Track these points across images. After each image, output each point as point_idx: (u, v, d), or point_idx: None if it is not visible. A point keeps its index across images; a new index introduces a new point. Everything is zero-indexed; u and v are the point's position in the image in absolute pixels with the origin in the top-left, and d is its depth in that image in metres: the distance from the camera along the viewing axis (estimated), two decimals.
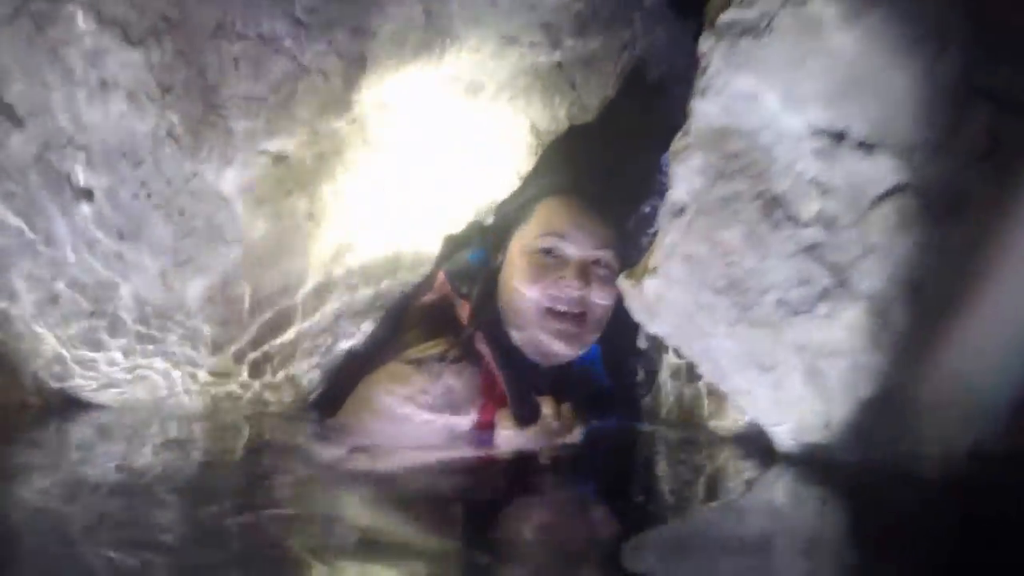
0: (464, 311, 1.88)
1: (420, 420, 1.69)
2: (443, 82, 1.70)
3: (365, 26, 1.61)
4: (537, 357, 1.85)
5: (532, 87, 1.79)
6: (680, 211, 1.39)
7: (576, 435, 1.72)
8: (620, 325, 1.82)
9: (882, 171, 1.21)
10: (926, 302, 1.27)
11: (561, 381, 1.85)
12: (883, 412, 1.32)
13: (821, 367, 1.31)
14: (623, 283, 1.52)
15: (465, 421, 1.71)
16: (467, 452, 1.66)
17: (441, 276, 1.94)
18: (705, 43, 1.31)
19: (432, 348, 1.76)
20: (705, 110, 1.32)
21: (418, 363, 1.72)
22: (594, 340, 1.89)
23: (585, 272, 1.81)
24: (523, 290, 1.82)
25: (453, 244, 1.98)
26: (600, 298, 1.83)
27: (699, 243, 1.37)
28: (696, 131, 1.34)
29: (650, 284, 1.44)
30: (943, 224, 1.20)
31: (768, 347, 1.34)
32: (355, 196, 1.72)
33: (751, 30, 1.23)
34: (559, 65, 1.80)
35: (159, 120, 1.56)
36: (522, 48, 1.73)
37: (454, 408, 1.71)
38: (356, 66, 1.62)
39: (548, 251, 1.83)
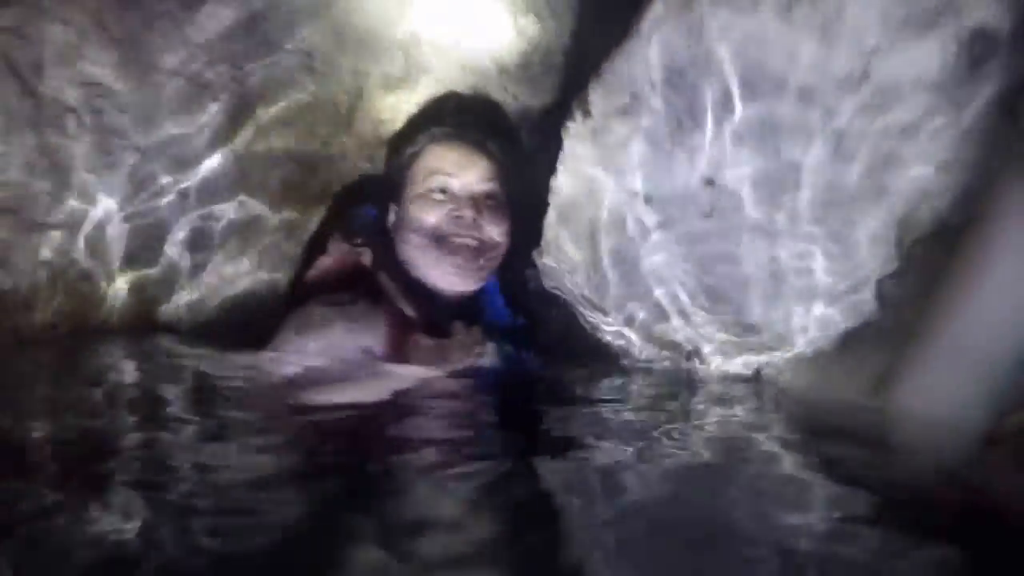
0: (366, 259, 1.90)
1: (333, 356, 1.70)
2: None
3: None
4: (438, 290, 1.89)
5: None
6: None
7: (490, 353, 1.75)
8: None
9: None
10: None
11: (464, 313, 1.87)
12: None
13: None
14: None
15: (377, 349, 1.71)
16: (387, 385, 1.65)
17: (337, 238, 1.97)
18: None
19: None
20: None
21: (329, 303, 1.75)
22: (490, 272, 1.95)
23: (476, 203, 1.87)
24: (420, 226, 1.88)
25: (344, 205, 2.01)
26: (492, 227, 1.90)
27: None
28: None
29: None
30: None
31: None
32: None
33: None
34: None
35: None
36: None
37: (366, 338, 1.71)
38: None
39: (438, 189, 1.89)
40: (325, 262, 1.96)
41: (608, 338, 1.55)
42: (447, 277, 1.88)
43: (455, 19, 1.84)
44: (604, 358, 1.70)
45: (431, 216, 1.89)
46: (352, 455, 1.21)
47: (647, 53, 1.18)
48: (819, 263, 1.19)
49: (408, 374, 1.70)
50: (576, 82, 1.46)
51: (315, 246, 2.01)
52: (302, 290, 1.91)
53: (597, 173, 1.32)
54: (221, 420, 1.30)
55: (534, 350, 1.90)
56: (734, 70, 1.12)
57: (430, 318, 1.82)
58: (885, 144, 1.10)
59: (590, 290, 1.47)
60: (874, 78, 1.05)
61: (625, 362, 1.58)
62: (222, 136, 1.65)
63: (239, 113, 1.65)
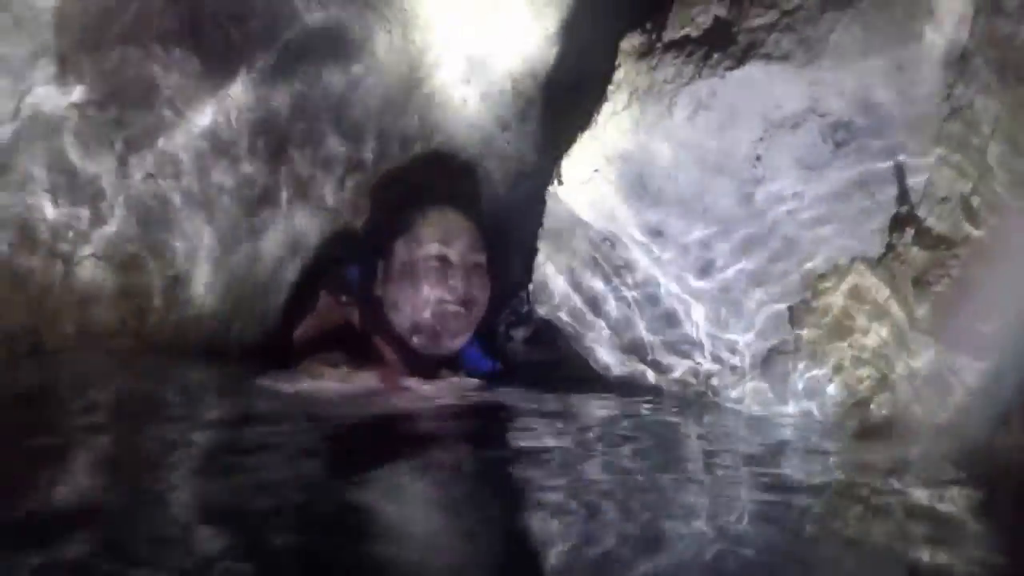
0: (355, 317, 2.03)
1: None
2: None
3: None
4: (427, 350, 1.99)
5: None
6: None
7: (479, 388, 1.88)
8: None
9: None
10: None
11: (444, 364, 2.00)
12: None
13: None
14: None
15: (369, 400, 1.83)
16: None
17: (323, 296, 2.08)
18: None
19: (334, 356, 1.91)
20: None
21: (322, 362, 1.85)
22: (471, 333, 2.06)
23: (468, 273, 2.00)
24: (413, 293, 1.97)
25: (330, 263, 2.10)
26: (479, 293, 2.02)
27: None
28: None
29: None
30: None
31: None
32: None
33: None
34: None
35: None
36: None
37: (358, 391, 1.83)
38: None
39: (432, 258, 2.00)
40: (314, 321, 2.05)
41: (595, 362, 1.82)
42: (434, 342, 1.99)
43: (466, 84, 2.12)
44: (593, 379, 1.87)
45: (424, 284, 2.00)
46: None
47: (604, 138, 1.55)
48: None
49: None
50: (567, 133, 1.74)
51: (304, 301, 2.07)
52: (294, 347, 1.99)
53: (567, 226, 1.69)
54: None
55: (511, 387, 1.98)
56: (660, 152, 1.49)
57: (417, 370, 1.94)
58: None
59: (576, 321, 1.81)
60: (764, 159, 1.42)
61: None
62: None
63: None
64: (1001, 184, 1.17)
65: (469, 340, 2.09)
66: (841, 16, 1.25)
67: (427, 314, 1.99)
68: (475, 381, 1.94)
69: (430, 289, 1.98)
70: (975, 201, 1.22)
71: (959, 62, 1.23)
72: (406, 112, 2.10)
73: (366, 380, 1.86)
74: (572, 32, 2.10)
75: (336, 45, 1.95)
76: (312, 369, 1.84)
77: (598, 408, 1.68)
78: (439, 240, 2.01)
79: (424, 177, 2.23)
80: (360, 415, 1.69)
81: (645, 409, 1.62)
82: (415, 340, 2.01)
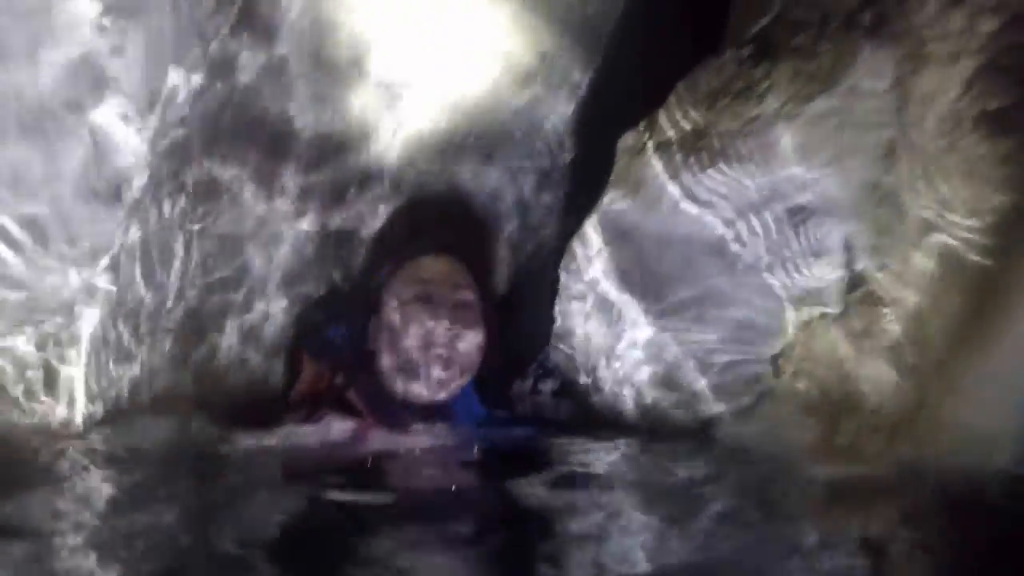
0: (339, 379, 2.08)
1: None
2: None
3: None
4: (417, 398, 2.03)
5: None
6: None
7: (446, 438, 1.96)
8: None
9: None
10: None
11: (433, 415, 2.04)
12: None
13: None
14: None
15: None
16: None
17: (306, 360, 2.13)
18: None
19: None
20: None
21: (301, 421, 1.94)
22: (461, 385, 2.09)
23: (454, 311, 2.06)
24: (404, 332, 2.02)
25: (311, 325, 2.18)
26: (469, 334, 2.06)
27: None
28: None
29: None
30: None
31: None
32: None
33: None
34: None
35: None
36: None
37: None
38: None
39: (417, 297, 2.05)
40: (302, 387, 2.10)
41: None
42: (420, 391, 2.02)
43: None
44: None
45: (410, 324, 2.03)
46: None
47: (606, 222, 1.87)
48: None
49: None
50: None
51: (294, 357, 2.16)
52: (283, 410, 2.02)
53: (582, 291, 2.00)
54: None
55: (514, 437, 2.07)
56: (652, 234, 1.81)
57: (400, 427, 1.98)
58: None
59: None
60: (738, 237, 1.73)
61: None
62: None
63: None
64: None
65: (462, 390, 2.11)
66: (789, 125, 1.57)
67: (413, 354, 2.02)
68: (451, 437, 1.97)
69: (415, 326, 2.03)
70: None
71: (885, 158, 1.53)
72: None
73: (342, 431, 1.92)
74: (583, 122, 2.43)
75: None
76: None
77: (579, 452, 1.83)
78: (422, 281, 2.07)
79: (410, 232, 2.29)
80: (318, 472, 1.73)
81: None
82: (402, 386, 2.03)
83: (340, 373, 2.09)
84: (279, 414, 1.97)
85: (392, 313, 2.06)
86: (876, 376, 1.61)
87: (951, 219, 1.45)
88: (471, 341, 2.07)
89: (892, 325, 1.55)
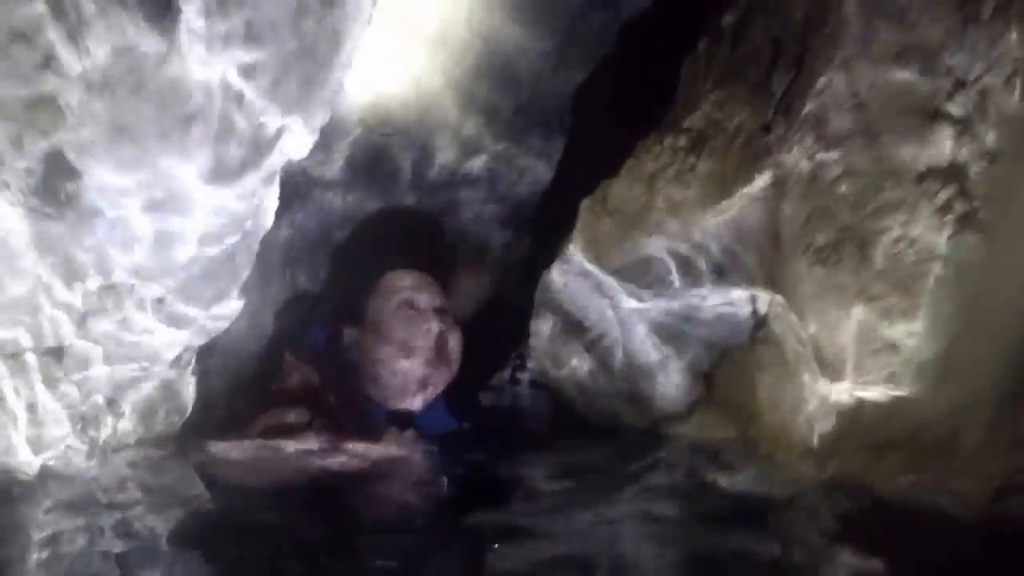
0: (315, 379, 2.15)
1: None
2: None
3: None
4: (394, 404, 2.12)
5: None
6: None
7: (414, 451, 1.99)
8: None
9: None
10: None
11: (402, 422, 2.12)
12: None
13: None
14: None
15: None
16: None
17: (289, 360, 2.17)
18: None
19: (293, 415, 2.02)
20: None
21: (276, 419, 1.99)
22: (433, 396, 2.19)
23: (440, 314, 2.20)
24: (390, 340, 2.12)
25: (297, 325, 2.29)
26: (454, 336, 2.21)
27: None
28: None
29: None
30: None
31: None
32: None
33: None
34: None
35: None
36: None
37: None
38: None
39: (405, 302, 2.16)
40: (278, 383, 2.14)
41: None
42: (402, 393, 2.10)
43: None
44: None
45: (397, 331, 2.11)
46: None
47: (570, 264, 2.31)
48: None
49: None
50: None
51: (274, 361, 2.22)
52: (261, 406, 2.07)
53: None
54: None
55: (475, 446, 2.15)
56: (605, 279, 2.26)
57: (370, 430, 2.03)
58: None
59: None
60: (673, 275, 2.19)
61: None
62: None
63: None
64: None
65: (435, 401, 2.23)
66: (707, 211, 2.03)
67: (401, 357, 2.11)
68: (416, 443, 2.03)
69: (404, 333, 2.13)
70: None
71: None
72: None
73: (307, 441, 1.92)
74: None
75: None
76: (261, 430, 1.93)
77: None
78: (409, 288, 2.18)
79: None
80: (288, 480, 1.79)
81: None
82: (381, 394, 2.14)
83: (320, 378, 2.18)
84: (257, 412, 2.02)
85: (378, 319, 2.18)
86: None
87: None
88: (455, 342, 2.27)
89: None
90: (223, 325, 1.80)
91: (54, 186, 1.39)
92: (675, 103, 2.28)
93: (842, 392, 1.70)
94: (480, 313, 2.65)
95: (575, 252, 2.25)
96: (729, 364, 2.24)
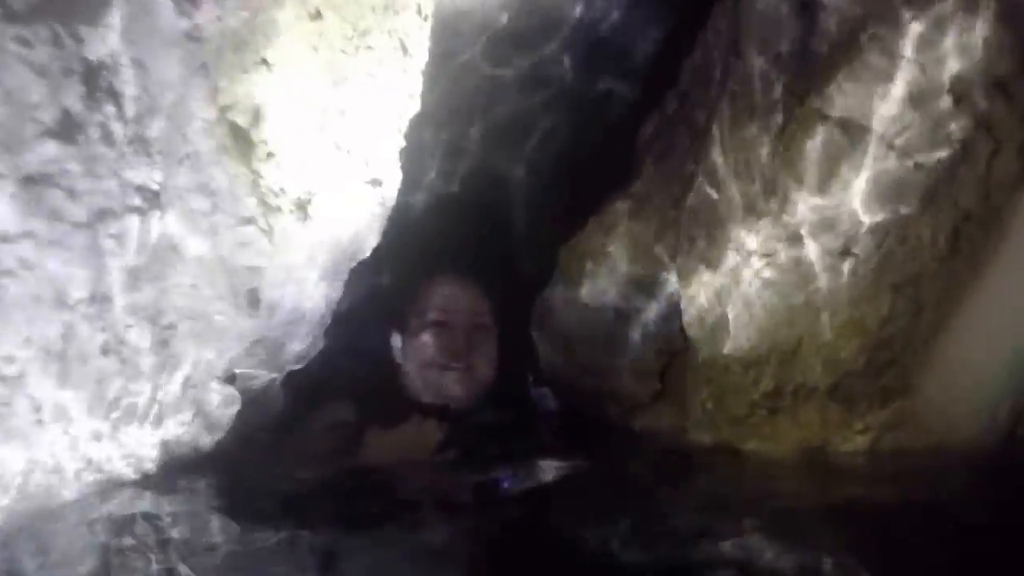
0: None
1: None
2: None
3: None
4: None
5: None
6: None
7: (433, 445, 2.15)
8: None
9: None
10: None
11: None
12: None
13: None
14: None
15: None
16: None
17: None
18: None
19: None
20: None
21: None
22: (480, 390, 2.40)
23: (469, 334, 2.39)
24: (421, 352, 2.35)
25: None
26: (480, 356, 2.40)
27: None
28: None
29: None
30: None
31: None
32: None
33: None
34: None
35: None
36: None
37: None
38: None
39: (435, 323, 2.36)
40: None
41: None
42: (440, 399, 2.30)
43: None
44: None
45: (427, 348, 2.32)
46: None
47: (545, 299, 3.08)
48: None
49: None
50: None
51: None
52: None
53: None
54: None
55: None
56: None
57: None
58: None
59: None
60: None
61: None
62: None
63: None
64: None
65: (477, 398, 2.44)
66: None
67: (430, 374, 2.37)
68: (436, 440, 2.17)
69: (432, 351, 2.36)
70: None
71: None
72: None
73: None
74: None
75: None
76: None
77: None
78: (438, 308, 2.41)
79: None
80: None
81: None
82: (424, 399, 2.34)
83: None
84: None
85: (414, 334, 2.43)
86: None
87: None
88: (488, 356, 2.50)
89: None
90: None
91: None
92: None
93: None
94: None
95: (557, 287, 2.98)
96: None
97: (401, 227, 2.53)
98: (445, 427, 2.19)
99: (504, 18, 2.82)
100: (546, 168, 3.30)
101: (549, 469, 2.10)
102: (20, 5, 1.29)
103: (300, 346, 2.07)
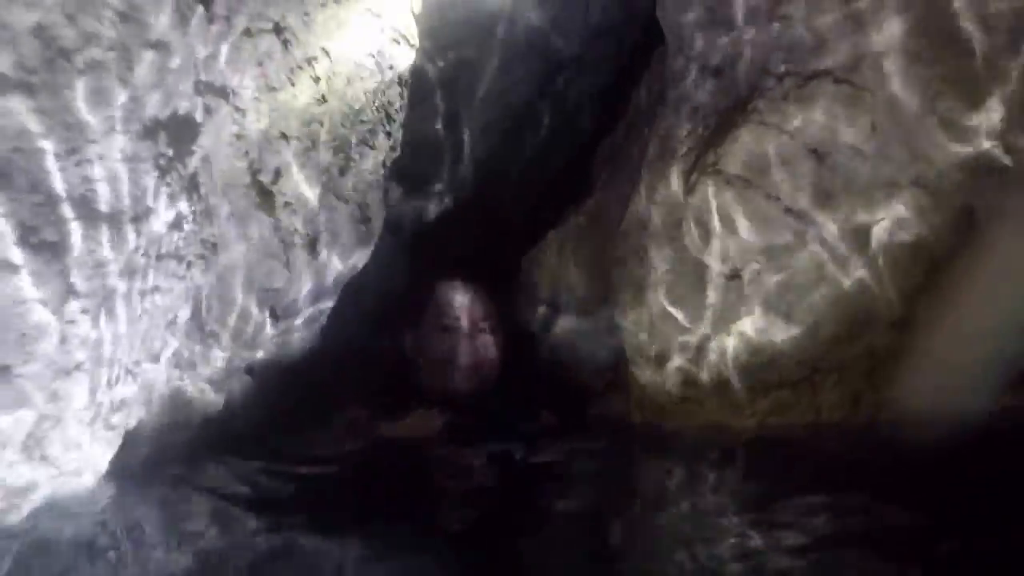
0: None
1: None
2: None
3: None
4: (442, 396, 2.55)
5: None
6: None
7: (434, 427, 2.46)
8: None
9: None
10: None
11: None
12: None
13: None
14: None
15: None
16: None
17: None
18: None
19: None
20: None
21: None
22: (483, 386, 2.69)
23: (473, 338, 2.68)
24: (431, 351, 2.63)
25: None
26: (488, 350, 2.68)
27: None
28: None
29: None
30: None
31: None
32: None
33: None
34: None
35: None
36: None
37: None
38: None
39: (445, 328, 2.63)
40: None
41: None
42: (442, 394, 2.55)
43: None
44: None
45: (440, 344, 2.58)
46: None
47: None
48: None
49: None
50: None
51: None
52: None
53: None
54: None
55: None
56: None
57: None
58: None
59: None
60: None
61: None
62: None
63: None
64: None
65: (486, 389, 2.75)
66: None
67: (440, 371, 2.67)
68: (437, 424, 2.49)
69: (440, 353, 2.67)
70: None
71: None
72: None
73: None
74: None
75: None
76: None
77: None
78: (447, 312, 2.71)
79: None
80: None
81: None
82: (432, 392, 2.64)
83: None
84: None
85: (424, 335, 2.80)
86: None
87: None
88: (491, 357, 2.79)
89: None
90: None
91: None
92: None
93: None
94: None
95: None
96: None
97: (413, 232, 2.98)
98: (447, 415, 2.51)
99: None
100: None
101: (547, 447, 2.53)
102: None
103: None
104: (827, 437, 2.48)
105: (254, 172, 2.29)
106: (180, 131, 1.81)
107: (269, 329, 2.52)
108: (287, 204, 2.46)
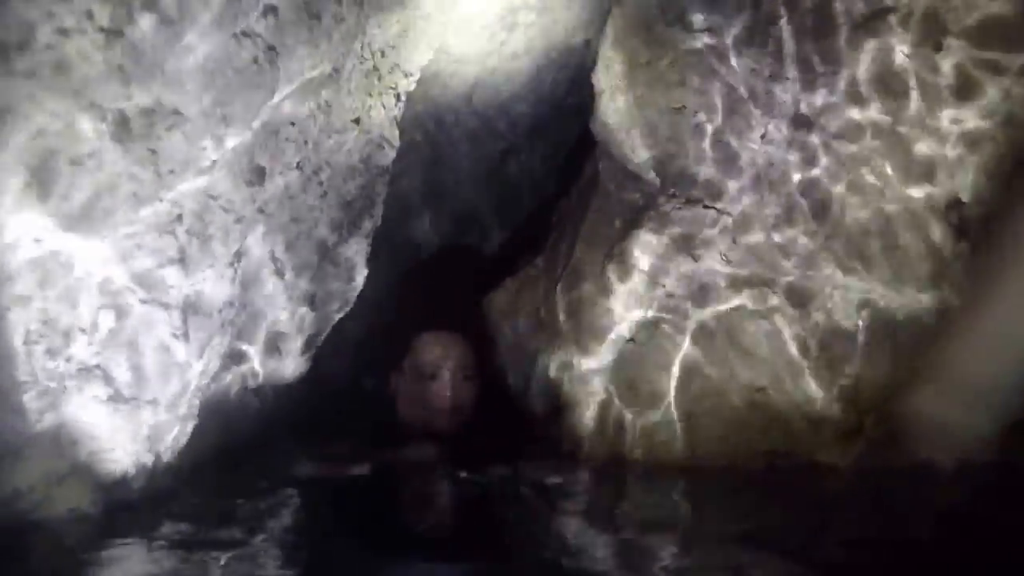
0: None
1: None
2: None
3: None
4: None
5: None
6: None
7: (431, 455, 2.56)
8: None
9: None
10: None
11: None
12: None
13: None
14: None
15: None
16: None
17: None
18: None
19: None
20: None
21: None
22: (461, 426, 2.77)
23: (455, 381, 2.80)
24: (415, 398, 2.76)
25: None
26: (467, 395, 2.81)
27: None
28: None
29: None
30: None
31: None
32: None
33: None
34: None
35: None
36: None
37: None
38: None
39: (429, 375, 2.74)
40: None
41: None
42: (424, 431, 2.66)
43: None
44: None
45: (422, 391, 2.69)
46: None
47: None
48: None
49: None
50: None
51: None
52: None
53: None
54: None
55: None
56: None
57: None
58: None
59: None
60: None
61: None
62: None
63: None
64: None
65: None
66: None
67: (422, 412, 2.80)
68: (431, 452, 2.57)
69: (423, 398, 2.79)
70: None
71: None
72: None
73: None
74: None
75: None
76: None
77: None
78: (431, 361, 2.83)
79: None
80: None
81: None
82: (413, 430, 2.76)
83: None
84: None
85: (409, 379, 2.91)
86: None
87: None
88: (467, 401, 2.91)
89: None
90: None
91: None
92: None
93: None
94: None
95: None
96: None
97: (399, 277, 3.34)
98: (438, 447, 2.69)
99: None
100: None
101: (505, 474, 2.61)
102: None
103: None
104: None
105: None
106: None
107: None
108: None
